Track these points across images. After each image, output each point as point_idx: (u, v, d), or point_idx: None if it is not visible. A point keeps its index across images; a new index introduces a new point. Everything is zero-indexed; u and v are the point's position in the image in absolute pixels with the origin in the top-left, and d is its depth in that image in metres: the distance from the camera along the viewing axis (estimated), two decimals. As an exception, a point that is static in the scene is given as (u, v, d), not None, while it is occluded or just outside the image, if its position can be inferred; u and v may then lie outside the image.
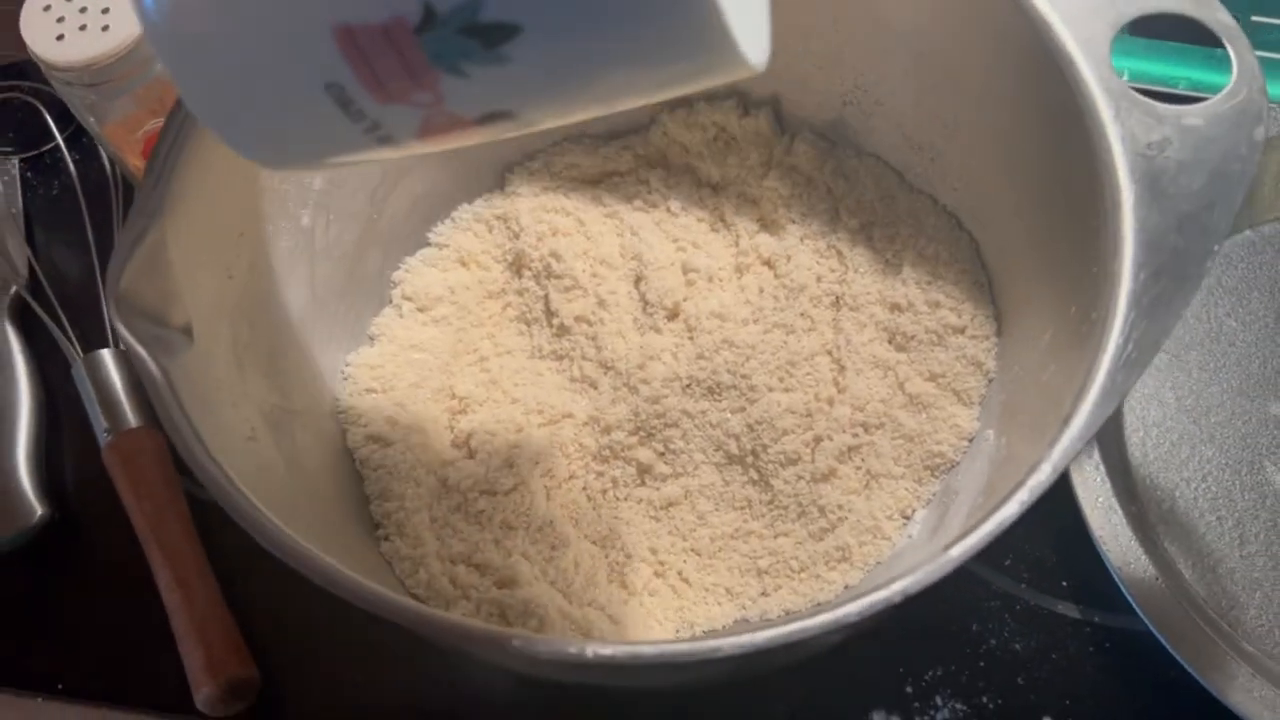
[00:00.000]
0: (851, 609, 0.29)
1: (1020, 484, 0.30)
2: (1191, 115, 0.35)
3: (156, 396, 0.33)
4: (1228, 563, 0.47)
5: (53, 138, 0.59)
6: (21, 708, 0.49)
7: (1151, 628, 0.44)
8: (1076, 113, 0.36)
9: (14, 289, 0.55)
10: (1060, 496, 0.46)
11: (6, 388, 0.53)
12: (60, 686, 0.48)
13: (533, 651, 0.29)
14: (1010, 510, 0.30)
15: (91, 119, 0.49)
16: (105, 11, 0.46)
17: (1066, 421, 0.31)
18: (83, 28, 0.46)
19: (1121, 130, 0.35)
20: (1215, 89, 0.36)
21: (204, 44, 0.23)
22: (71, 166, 0.59)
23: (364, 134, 0.24)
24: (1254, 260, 0.54)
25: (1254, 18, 0.58)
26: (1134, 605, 0.44)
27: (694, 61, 0.23)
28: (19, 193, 0.59)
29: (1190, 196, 0.34)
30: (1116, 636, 0.47)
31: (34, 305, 0.55)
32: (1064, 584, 0.48)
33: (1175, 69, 0.57)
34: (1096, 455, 0.47)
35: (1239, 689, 0.42)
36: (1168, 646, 0.43)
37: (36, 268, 0.57)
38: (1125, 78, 0.54)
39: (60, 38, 0.46)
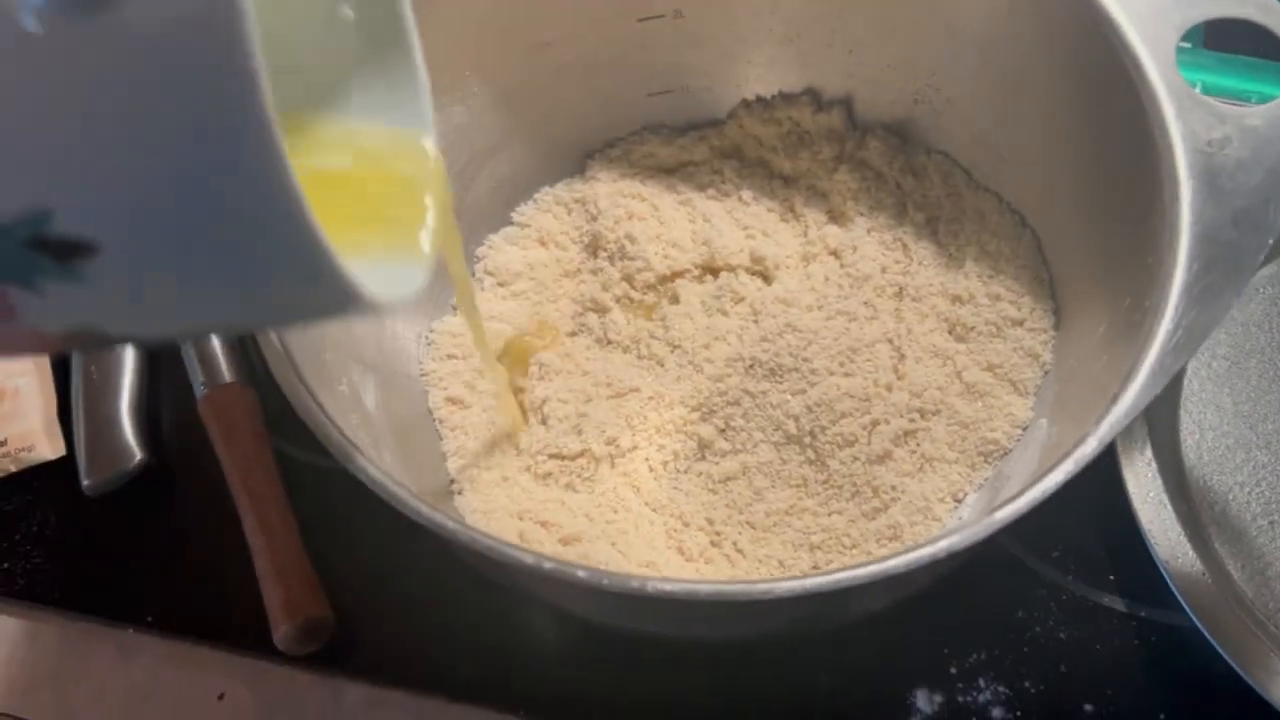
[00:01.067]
0: (897, 562, 0.31)
1: (1066, 455, 0.32)
2: (1253, 116, 0.37)
3: (267, 345, 0.36)
4: (1277, 566, 0.48)
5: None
6: (114, 638, 0.53)
7: (1196, 621, 0.44)
8: (1140, 111, 0.38)
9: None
10: (1111, 491, 0.47)
11: (114, 341, 0.57)
12: (150, 619, 0.51)
13: (597, 583, 0.31)
14: (1055, 479, 0.32)
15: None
16: None
17: (1115, 399, 0.33)
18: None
19: (1183, 128, 0.37)
20: None
21: None
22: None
23: None
24: (1319, 272, 0.54)
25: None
26: (1180, 599, 0.45)
27: (296, 291, 0.21)
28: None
29: (1247, 192, 0.35)
30: (1161, 631, 0.48)
31: (142, 266, 0.58)
32: (1111, 578, 0.49)
33: (1248, 83, 0.58)
34: (1149, 452, 0.48)
35: (1282, 685, 0.43)
36: (1211, 640, 0.44)
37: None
38: (1199, 90, 0.55)
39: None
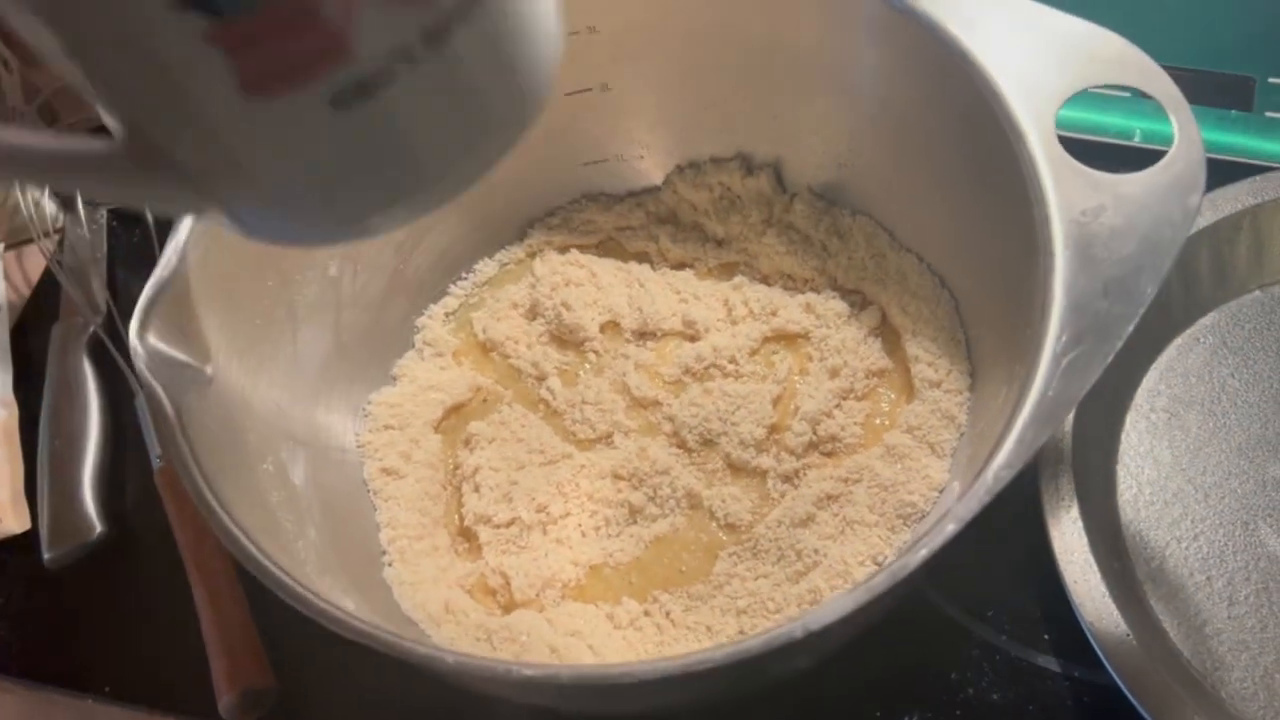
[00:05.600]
0: (753, 643, 0.31)
1: (922, 543, 0.32)
2: (1128, 184, 0.37)
3: (167, 433, 0.37)
4: (1215, 623, 0.47)
5: (135, 191, 0.65)
6: (75, 708, 0.54)
7: (1121, 683, 0.44)
8: (1021, 181, 0.38)
9: (92, 328, 0.62)
10: (1044, 550, 0.47)
11: (79, 415, 0.59)
12: (107, 690, 0.53)
13: (464, 669, 0.32)
14: (912, 559, 0.32)
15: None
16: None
17: (977, 476, 0.33)
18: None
19: (1059, 198, 0.37)
20: (1169, 140, 0.37)
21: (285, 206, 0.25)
22: (149, 217, 0.65)
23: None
24: (1262, 320, 0.54)
25: (1270, 79, 0.59)
26: (1104, 661, 0.45)
27: None
28: (104, 239, 0.66)
29: (1119, 261, 0.35)
30: (1094, 691, 0.47)
31: (108, 343, 0.61)
32: (1046, 637, 0.49)
33: (1132, 120, 0.57)
34: (1075, 510, 0.47)
35: (1208, 750, 0.43)
36: (1136, 703, 0.43)
37: (114, 309, 0.63)
38: (1081, 130, 0.54)
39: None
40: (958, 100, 0.41)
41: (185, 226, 0.42)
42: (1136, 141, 0.56)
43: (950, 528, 0.32)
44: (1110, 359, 0.34)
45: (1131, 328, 0.34)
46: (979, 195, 0.43)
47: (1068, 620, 0.47)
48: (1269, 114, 0.58)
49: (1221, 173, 0.51)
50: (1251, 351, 0.53)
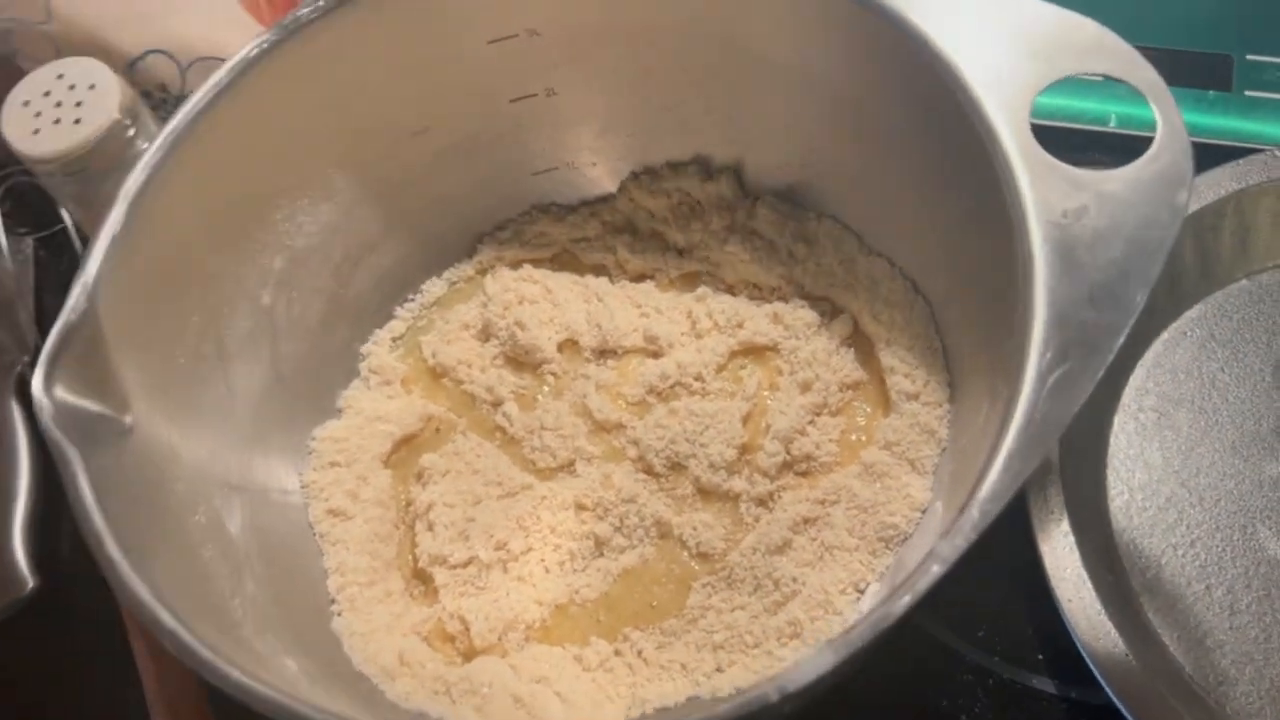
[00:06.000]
0: (725, 709, 0.28)
1: (908, 585, 0.29)
2: (1111, 181, 0.34)
3: (76, 497, 0.34)
4: (1216, 634, 0.45)
5: (61, 220, 0.62)
6: (13, 775, 0.51)
7: (1119, 704, 0.42)
8: (996, 182, 0.35)
9: (19, 367, 0.58)
10: (1033, 565, 0.44)
11: (6, 461, 0.55)
12: (47, 755, 0.50)
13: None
14: (892, 608, 0.29)
15: (72, 206, 0.51)
16: (79, 105, 0.48)
17: (962, 510, 0.30)
18: (57, 121, 0.48)
19: (1037, 197, 0.34)
20: (1147, 124, 0.35)
21: None
22: (78, 246, 0.61)
23: None
24: (1250, 310, 0.51)
25: (1248, 56, 0.56)
26: (1102, 682, 0.42)
27: None
28: (31, 271, 0.62)
29: (1105, 266, 0.33)
30: (1095, 713, 0.45)
31: (36, 381, 0.57)
32: (1040, 657, 0.46)
33: (1107, 103, 0.55)
34: (1065, 523, 0.45)
35: (1214, 773, 0.40)
36: (1137, 725, 0.41)
37: (42, 344, 0.59)
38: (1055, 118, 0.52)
39: (37, 131, 0.48)
40: (923, 95, 0.39)
41: (95, 261, 0.39)
42: (1112, 127, 0.54)
43: (935, 569, 0.29)
44: (1101, 374, 0.31)
45: (1121, 339, 0.32)
46: (951, 196, 0.41)
47: (1062, 638, 0.44)
48: (1249, 93, 0.56)
49: (1203, 157, 0.48)
50: (1240, 344, 0.51)
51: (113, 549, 0.34)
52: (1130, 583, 0.46)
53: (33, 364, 0.58)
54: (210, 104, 0.41)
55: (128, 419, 0.39)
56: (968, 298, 0.42)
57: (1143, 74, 0.36)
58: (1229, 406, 0.49)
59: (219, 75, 0.41)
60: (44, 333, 0.60)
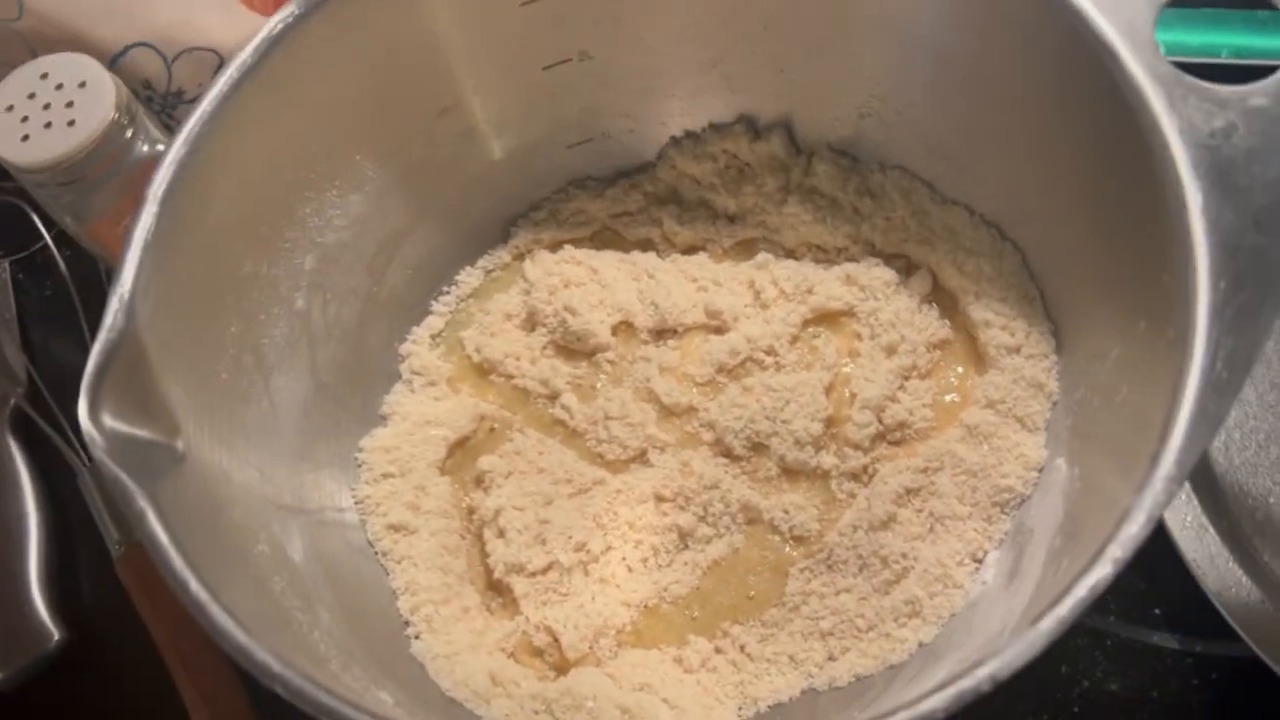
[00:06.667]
0: (936, 701, 0.25)
1: (1110, 538, 0.27)
2: (1257, 95, 0.31)
3: (148, 535, 0.30)
4: (1337, 569, 0.43)
5: (41, 237, 0.57)
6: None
7: (1261, 654, 0.39)
8: (1125, 107, 0.33)
9: (13, 400, 0.53)
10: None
11: (12, 504, 0.50)
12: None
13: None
14: (1104, 571, 0.26)
15: (69, 219, 0.46)
16: (70, 106, 0.43)
17: (1155, 460, 0.28)
18: (48, 125, 0.43)
19: (1178, 121, 0.32)
20: (1262, 53, 0.32)
21: None
22: (63, 265, 0.56)
23: None
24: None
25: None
26: (1240, 632, 0.40)
27: None
28: (10, 297, 0.57)
29: (1267, 187, 0.30)
30: (1223, 666, 0.43)
31: (34, 416, 0.52)
32: (1157, 611, 0.44)
33: (1213, 36, 0.53)
34: (1179, 470, 0.42)
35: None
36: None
37: (35, 375, 0.54)
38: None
39: (26, 138, 0.43)
40: (1027, 22, 0.36)
41: (129, 272, 0.34)
42: (1225, 58, 0.51)
43: (1135, 530, 0.27)
44: (1285, 303, 0.28)
45: (1299, 262, 0.29)
46: (1055, 130, 0.38)
47: (1178, 590, 0.42)
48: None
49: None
50: (1319, 269, 0.49)
51: (199, 592, 0.30)
52: (1242, 527, 0.44)
53: (26, 396, 0.53)
54: (235, 87, 0.37)
55: (179, 444, 0.35)
56: (1078, 239, 0.39)
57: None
58: (1316, 335, 0.48)
59: (243, 55, 0.37)
60: (35, 363, 0.55)
